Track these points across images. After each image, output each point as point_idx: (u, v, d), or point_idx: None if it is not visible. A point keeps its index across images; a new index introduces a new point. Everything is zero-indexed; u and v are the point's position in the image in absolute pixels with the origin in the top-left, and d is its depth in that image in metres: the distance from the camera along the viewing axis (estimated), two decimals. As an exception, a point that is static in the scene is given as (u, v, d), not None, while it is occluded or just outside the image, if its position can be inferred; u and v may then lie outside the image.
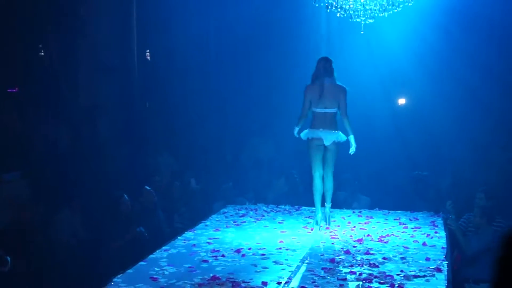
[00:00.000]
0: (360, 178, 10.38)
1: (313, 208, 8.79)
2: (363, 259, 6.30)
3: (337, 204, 8.69)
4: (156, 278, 5.57)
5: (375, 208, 9.00)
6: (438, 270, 5.93)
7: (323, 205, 7.77)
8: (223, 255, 6.37)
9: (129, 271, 5.79)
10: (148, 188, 8.79)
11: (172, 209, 9.46)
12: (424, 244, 6.93)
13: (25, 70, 9.83)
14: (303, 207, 8.96)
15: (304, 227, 7.82)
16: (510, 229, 2.44)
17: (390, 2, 7.97)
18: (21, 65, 9.75)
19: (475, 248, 7.70)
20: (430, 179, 10.24)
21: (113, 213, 8.09)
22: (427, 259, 6.30)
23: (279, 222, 8.07)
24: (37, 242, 7.51)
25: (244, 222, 8.05)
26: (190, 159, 11.25)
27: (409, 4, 8.08)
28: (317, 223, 7.68)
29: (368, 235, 7.33)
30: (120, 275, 5.62)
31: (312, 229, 7.65)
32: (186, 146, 11.66)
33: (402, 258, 6.32)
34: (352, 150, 7.59)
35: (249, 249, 6.63)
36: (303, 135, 7.66)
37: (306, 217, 8.42)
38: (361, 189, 10.13)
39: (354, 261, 6.22)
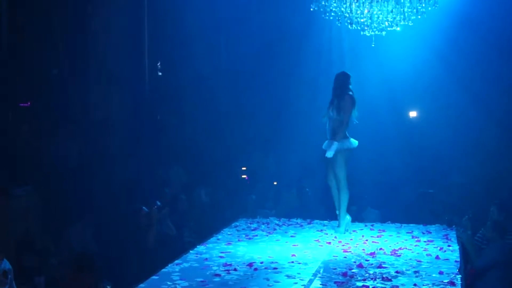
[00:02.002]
0: (370, 192, 10.31)
1: (325, 221, 8.83)
2: (375, 272, 6.26)
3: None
4: (168, 292, 5.56)
5: (387, 221, 8.94)
6: (452, 284, 5.89)
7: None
8: (235, 269, 6.35)
9: (142, 285, 5.78)
10: (145, 209, 8.43)
11: (181, 222, 9.36)
12: (437, 257, 6.89)
13: (37, 84, 9.88)
14: (315, 221, 8.92)
15: (316, 240, 7.78)
16: None
17: (401, 16, 7.99)
18: (33, 79, 9.80)
19: (484, 261, 7.63)
20: (437, 196, 10.22)
21: (133, 225, 8.00)
22: (441, 272, 6.25)
23: (291, 236, 8.04)
24: (48, 255, 7.52)
25: (256, 235, 8.02)
26: (200, 171, 11.25)
27: (419, 17, 8.08)
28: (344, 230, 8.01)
29: (380, 249, 7.29)
30: (133, 289, 5.62)
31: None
32: (196, 158, 11.67)
33: (415, 272, 6.28)
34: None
35: (261, 262, 6.61)
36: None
37: (318, 230, 8.38)
38: (371, 202, 10.08)
39: (367, 274, 6.19)
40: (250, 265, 6.49)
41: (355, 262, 6.70)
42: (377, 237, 7.98)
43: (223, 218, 9.50)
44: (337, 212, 8.16)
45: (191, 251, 7.11)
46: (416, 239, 7.84)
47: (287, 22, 12.29)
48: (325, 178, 8.25)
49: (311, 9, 8.29)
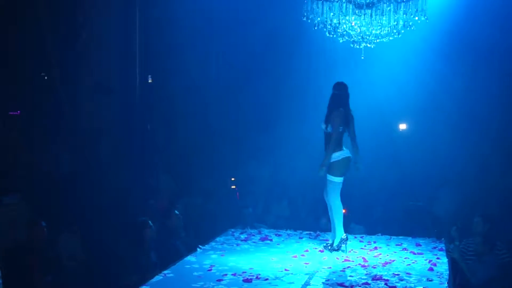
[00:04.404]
0: (354, 206, 10.04)
1: (314, 233, 8.81)
2: (367, 284, 6.27)
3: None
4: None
5: (378, 233, 8.94)
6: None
7: (345, 230, 7.80)
8: (226, 280, 6.33)
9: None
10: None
11: (172, 235, 9.22)
12: (426, 270, 6.90)
13: (28, 93, 9.85)
14: (306, 232, 8.90)
15: (306, 250, 7.77)
16: None
17: (390, 29, 8.00)
18: (23, 88, 9.77)
19: (481, 277, 7.64)
20: (426, 208, 10.24)
21: (137, 239, 7.78)
22: (430, 285, 6.26)
23: (282, 247, 8.01)
24: (36, 264, 7.45)
25: (247, 246, 8.01)
26: (191, 181, 11.21)
27: (412, 28, 8.09)
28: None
29: (367, 261, 7.28)
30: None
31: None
32: (187, 168, 11.63)
33: (405, 284, 6.28)
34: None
35: (252, 274, 6.58)
36: None
37: (308, 241, 8.36)
38: (355, 218, 9.80)
39: (358, 287, 6.18)
40: (241, 275, 6.47)
41: (344, 272, 6.70)
42: (368, 249, 7.97)
43: (214, 228, 9.46)
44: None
45: (181, 261, 7.08)
46: (406, 251, 7.85)
47: (278, 31, 12.30)
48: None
49: (304, 19, 8.27)
